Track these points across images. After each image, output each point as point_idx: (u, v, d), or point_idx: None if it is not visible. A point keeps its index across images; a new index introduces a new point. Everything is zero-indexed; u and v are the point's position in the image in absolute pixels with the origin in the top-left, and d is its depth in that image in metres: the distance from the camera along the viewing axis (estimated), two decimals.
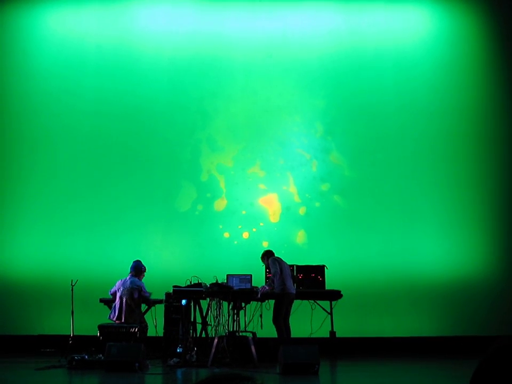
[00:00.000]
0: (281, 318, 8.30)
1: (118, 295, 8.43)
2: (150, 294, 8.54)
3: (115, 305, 8.45)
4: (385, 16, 10.67)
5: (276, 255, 8.71)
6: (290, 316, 8.65)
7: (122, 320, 8.32)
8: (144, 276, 8.64)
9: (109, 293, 8.66)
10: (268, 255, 8.71)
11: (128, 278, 8.51)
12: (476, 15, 10.70)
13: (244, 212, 10.23)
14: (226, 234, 10.17)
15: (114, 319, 8.38)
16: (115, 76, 10.51)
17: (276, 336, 8.32)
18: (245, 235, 10.09)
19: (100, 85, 10.49)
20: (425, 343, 9.79)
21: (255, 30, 10.63)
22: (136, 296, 8.38)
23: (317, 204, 10.30)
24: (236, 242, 10.05)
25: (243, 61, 10.55)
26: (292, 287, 8.52)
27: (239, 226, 10.17)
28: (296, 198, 10.31)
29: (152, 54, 10.55)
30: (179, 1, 10.76)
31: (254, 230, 10.13)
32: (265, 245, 9.80)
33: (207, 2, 10.74)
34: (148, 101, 10.44)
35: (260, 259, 8.80)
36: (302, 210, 10.28)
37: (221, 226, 10.23)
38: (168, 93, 10.51)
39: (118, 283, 8.52)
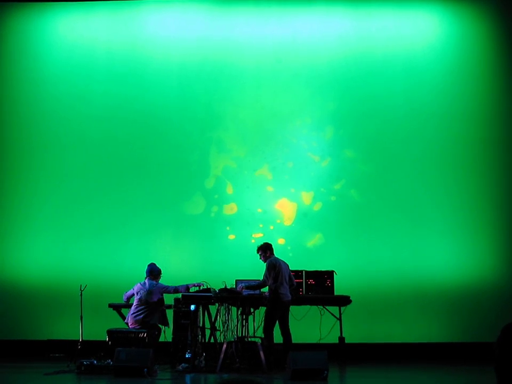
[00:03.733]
0: (272, 328, 8.15)
1: (137, 297, 8.44)
2: (173, 287, 8.51)
3: (132, 308, 8.45)
4: (394, 21, 10.65)
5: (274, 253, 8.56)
6: (299, 322, 8.64)
7: (140, 324, 8.30)
8: (160, 278, 8.66)
9: (124, 296, 8.66)
10: (264, 250, 8.46)
11: (146, 281, 8.55)
12: (486, 20, 10.67)
13: (251, 215, 10.24)
14: (231, 237, 10.19)
15: (131, 321, 8.37)
16: (125, 82, 10.56)
17: (283, 341, 8.29)
18: (253, 239, 10.07)
19: (110, 91, 10.54)
20: (435, 349, 9.76)
21: (264, 35, 10.64)
22: (156, 299, 8.40)
23: (325, 210, 10.28)
24: (253, 241, 9.99)
25: (252, 66, 10.57)
26: (286, 294, 8.23)
27: (260, 225, 10.17)
28: (304, 203, 10.29)
29: (162, 60, 10.58)
30: (188, 7, 10.79)
31: (261, 235, 10.13)
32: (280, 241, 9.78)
33: (217, 8, 10.78)
34: (157, 106, 10.49)
35: (256, 251, 8.53)
36: (310, 215, 10.27)
37: (228, 228, 10.24)
38: (178, 98, 10.54)
39: (137, 286, 8.54)
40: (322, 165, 10.38)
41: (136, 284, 8.58)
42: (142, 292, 8.43)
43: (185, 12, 10.78)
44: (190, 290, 8.49)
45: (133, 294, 8.55)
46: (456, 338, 9.81)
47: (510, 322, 2.17)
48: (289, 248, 9.98)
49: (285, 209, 10.29)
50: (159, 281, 8.59)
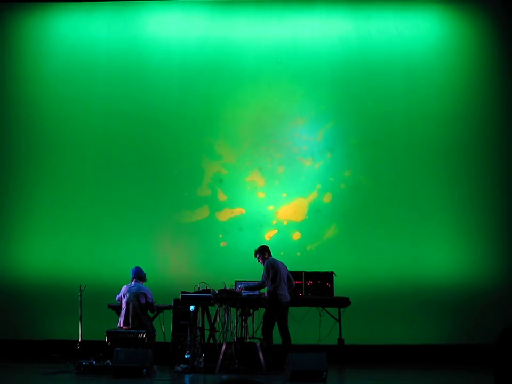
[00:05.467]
0: (271, 329, 8.17)
1: (124, 300, 8.41)
2: (154, 302, 8.54)
3: (122, 311, 8.44)
4: (395, 22, 10.66)
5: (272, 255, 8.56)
6: (298, 323, 8.64)
7: (130, 326, 8.30)
8: (146, 280, 8.65)
9: (116, 299, 8.67)
10: (262, 253, 8.48)
11: (133, 283, 8.52)
12: (487, 22, 10.66)
13: (250, 218, 10.26)
14: (232, 241, 10.20)
15: (122, 325, 8.36)
16: (125, 82, 10.56)
17: (282, 342, 8.28)
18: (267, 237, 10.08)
19: (110, 91, 10.55)
20: (435, 351, 9.75)
21: (264, 36, 10.64)
22: (143, 301, 8.38)
23: (324, 211, 10.29)
24: (268, 238, 10.00)
25: (252, 67, 10.58)
26: (285, 295, 8.26)
27: (274, 222, 10.18)
28: (305, 205, 10.30)
29: (162, 61, 10.59)
30: (189, 8, 10.79)
31: (274, 231, 10.14)
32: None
33: (217, 9, 10.77)
34: (157, 106, 10.49)
35: (254, 255, 8.55)
36: (309, 217, 10.27)
37: (220, 235, 10.25)
38: (178, 99, 10.55)
39: (124, 289, 8.52)
40: (320, 168, 10.38)
41: (123, 286, 8.57)
42: (128, 295, 8.40)
43: (185, 12, 10.78)
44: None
45: (122, 297, 8.52)
46: (457, 340, 9.80)
47: (508, 325, 2.20)
48: (282, 253, 9.89)
49: (279, 212, 10.30)
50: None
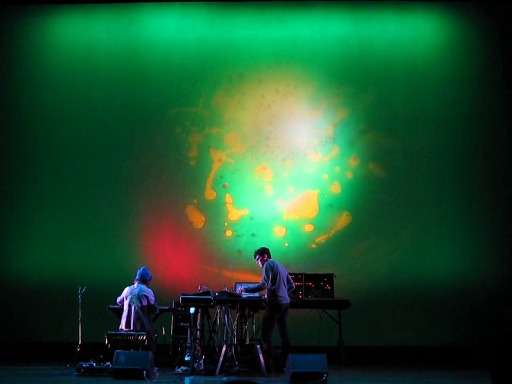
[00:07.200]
0: (271, 331, 8.20)
1: (126, 302, 8.39)
2: (156, 304, 8.53)
3: (123, 313, 8.42)
4: (395, 24, 10.69)
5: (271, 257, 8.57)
6: (298, 325, 8.63)
7: (131, 328, 8.29)
8: (149, 283, 8.63)
9: (117, 301, 8.65)
10: (262, 254, 8.49)
11: (136, 285, 8.50)
12: (487, 24, 10.69)
13: (251, 219, 10.27)
14: (233, 241, 10.21)
15: (123, 327, 8.34)
16: (125, 85, 10.59)
17: (282, 344, 8.28)
18: (252, 242, 10.08)
19: (110, 93, 10.59)
20: (434, 352, 9.75)
21: (264, 38, 10.67)
22: (145, 303, 8.37)
23: (326, 212, 10.30)
24: (282, 235, 10.02)
25: (252, 68, 10.60)
26: (285, 297, 8.27)
27: (286, 217, 10.18)
28: (307, 205, 10.31)
29: (162, 62, 10.62)
30: (188, 10, 10.82)
31: (283, 232, 10.14)
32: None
33: (217, 11, 10.81)
34: (157, 108, 10.52)
35: (254, 256, 8.57)
36: (312, 218, 10.28)
37: (226, 224, 10.25)
38: (178, 100, 10.57)
39: (126, 290, 8.50)
40: (320, 168, 10.40)
41: (125, 287, 8.55)
42: (130, 296, 8.38)
43: (185, 14, 10.82)
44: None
45: (124, 299, 8.50)
46: (456, 342, 9.81)
47: (506, 328, 2.23)
48: (287, 245, 9.96)
49: (281, 212, 10.32)
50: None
